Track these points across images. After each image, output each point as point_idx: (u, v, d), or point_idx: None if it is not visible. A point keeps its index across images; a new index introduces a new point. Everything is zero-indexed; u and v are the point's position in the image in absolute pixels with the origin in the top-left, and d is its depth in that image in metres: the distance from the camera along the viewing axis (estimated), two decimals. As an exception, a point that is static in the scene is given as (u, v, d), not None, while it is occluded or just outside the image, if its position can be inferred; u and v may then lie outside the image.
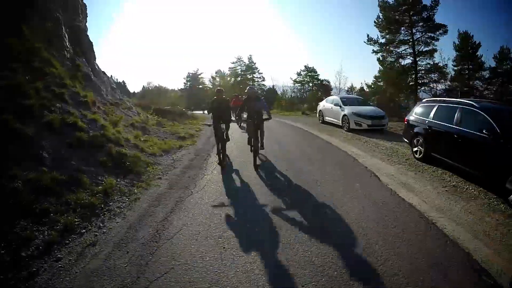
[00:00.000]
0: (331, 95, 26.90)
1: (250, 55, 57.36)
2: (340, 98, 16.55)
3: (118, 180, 6.58)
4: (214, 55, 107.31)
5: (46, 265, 3.72)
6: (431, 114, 8.30)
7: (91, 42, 14.66)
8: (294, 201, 5.81)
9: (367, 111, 14.75)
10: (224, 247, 4.17)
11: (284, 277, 3.54)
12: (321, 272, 3.55)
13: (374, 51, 31.26)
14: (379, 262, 3.75)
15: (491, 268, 3.66)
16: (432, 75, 29.44)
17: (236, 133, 13.19)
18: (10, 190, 4.72)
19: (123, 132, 9.69)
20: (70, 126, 7.47)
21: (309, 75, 47.34)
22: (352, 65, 79.29)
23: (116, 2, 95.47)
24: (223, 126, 8.62)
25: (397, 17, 29.01)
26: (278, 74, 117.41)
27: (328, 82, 44.78)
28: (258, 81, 56.13)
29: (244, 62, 56.97)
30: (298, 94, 46.88)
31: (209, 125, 9.08)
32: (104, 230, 4.67)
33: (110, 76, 17.65)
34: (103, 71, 15.10)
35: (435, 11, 27.77)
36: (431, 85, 29.70)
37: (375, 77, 33.97)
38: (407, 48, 29.52)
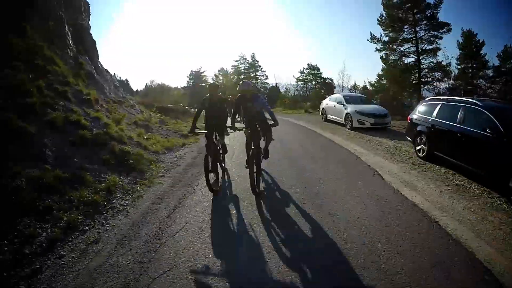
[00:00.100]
0: (334, 93, 26.83)
1: (253, 53, 57.19)
2: (343, 97, 16.55)
3: (121, 177, 6.60)
4: (217, 53, 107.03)
5: (49, 262, 3.74)
6: (434, 113, 8.27)
7: (94, 41, 14.69)
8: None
9: (370, 109, 14.71)
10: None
11: (284, 276, 3.54)
12: (323, 270, 3.55)
13: (377, 50, 31.24)
14: (381, 261, 3.74)
15: (494, 267, 3.65)
16: (436, 73, 29.37)
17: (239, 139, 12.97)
18: (14, 188, 4.74)
19: (126, 130, 9.71)
20: (73, 124, 7.49)
21: (312, 73, 47.20)
22: (356, 63, 78.87)
23: (116, 2, 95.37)
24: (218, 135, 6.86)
25: (400, 15, 28.91)
26: (281, 73, 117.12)
27: (331, 80, 44.58)
28: (261, 79, 56.03)
29: (247, 60, 56.88)
30: (301, 92, 46.84)
31: (203, 133, 6.70)
32: (107, 228, 4.69)
33: (113, 74, 17.73)
34: (106, 69, 15.12)
35: (438, 9, 27.72)
36: (435, 84, 29.65)
37: (378, 75, 33.87)
38: (411, 47, 29.48)
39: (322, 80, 46.20)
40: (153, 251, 4.02)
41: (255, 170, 5.78)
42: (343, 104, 15.63)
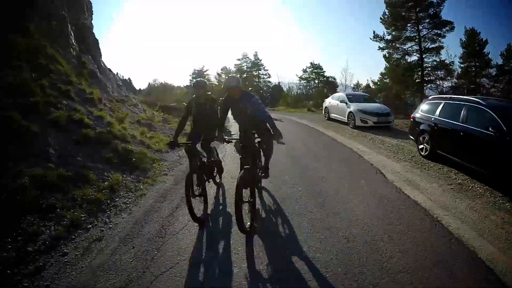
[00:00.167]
0: (337, 92, 26.82)
1: (256, 52, 57.01)
2: (346, 95, 16.51)
3: (124, 176, 6.62)
4: (220, 52, 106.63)
5: (52, 260, 3.76)
6: (437, 112, 8.25)
7: (97, 40, 14.78)
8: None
9: (373, 108, 14.69)
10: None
11: (286, 274, 3.55)
12: (325, 269, 3.55)
13: (380, 48, 31.26)
14: (383, 259, 3.74)
15: (496, 266, 3.64)
16: (439, 72, 29.38)
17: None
18: (17, 186, 4.77)
19: (129, 128, 9.73)
20: (76, 123, 7.52)
21: (315, 72, 47.10)
22: (358, 62, 78.58)
23: (117, 2, 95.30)
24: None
25: (403, 13, 28.89)
26: (284, 71, 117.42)
27: (334, 79, 44.47)
28: (264, 78, 55.95)
29: (250, 59, 56.68)
30: (304, 91, 46.76)
31: (186, 144, 5.24)
32: (110, 226, 4.71)
33: (116, 73, 17.75)
34: (109, 68, 15.19)
35: (441, 7, 27.72)
36: (438, 82, 29.69)
37: (381, 74, 33.90)
38: (414, 45, 29.53)
39: (325, 78, 46.08)
40: (155, 249, 4.03)
41: (248, 200, 4.32)
42: (346, 103, 15.60)
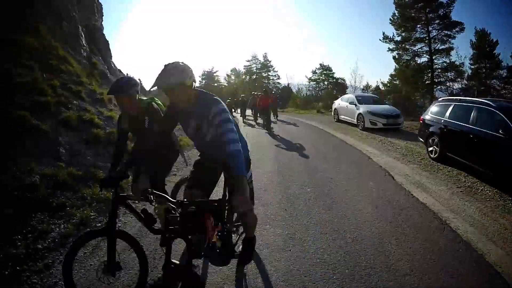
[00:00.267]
0: (347, 93, 26.71)
1: (265, 53, 57.31)
2: (356, 97, 16.50)
3: (133, 175, 6.66)
4: (229, 53, 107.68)
5: (61, 257, 3.80)
6: (447, 114, 8.19)
7: (107, 41, 14.95)
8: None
9: (382, 110, 14.64)
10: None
11: (293, 274, 3.55)
12: (332, 270, 3.55)
13: (389, 49, 31.10)
14: (391, 262, 3.73)
15: (504, 270, 3.60)
16: (449, 73, 29.06)
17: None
18: (28, 185, 4.84)
19: (139, 129, 9.76)
20: (86, 123, 7.62)
21: (324, 74, 47.07)
22: (368, 63, 78.59)
23: (126, 4, 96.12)
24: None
25: (413, 14, 28.68)
26: (293, 73, 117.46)
27: (344, 80, 44.31)
28: (273, 79, 56.04)
29: (259, 60, 56.89)
30: (313, 92, 46.76)
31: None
32: (119, 224, 4.75)
33: (126, 74, 17.87)
34: (119, 69, 15.34)
35: (451, 8, 27.43)
36: (448, 84, 29.34)
37: (391, 75, 33.52)
38: (423, 46, 29.25)
39: (334, 80, 46.03)
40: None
41: None
42: (355, 105, 15.57)
